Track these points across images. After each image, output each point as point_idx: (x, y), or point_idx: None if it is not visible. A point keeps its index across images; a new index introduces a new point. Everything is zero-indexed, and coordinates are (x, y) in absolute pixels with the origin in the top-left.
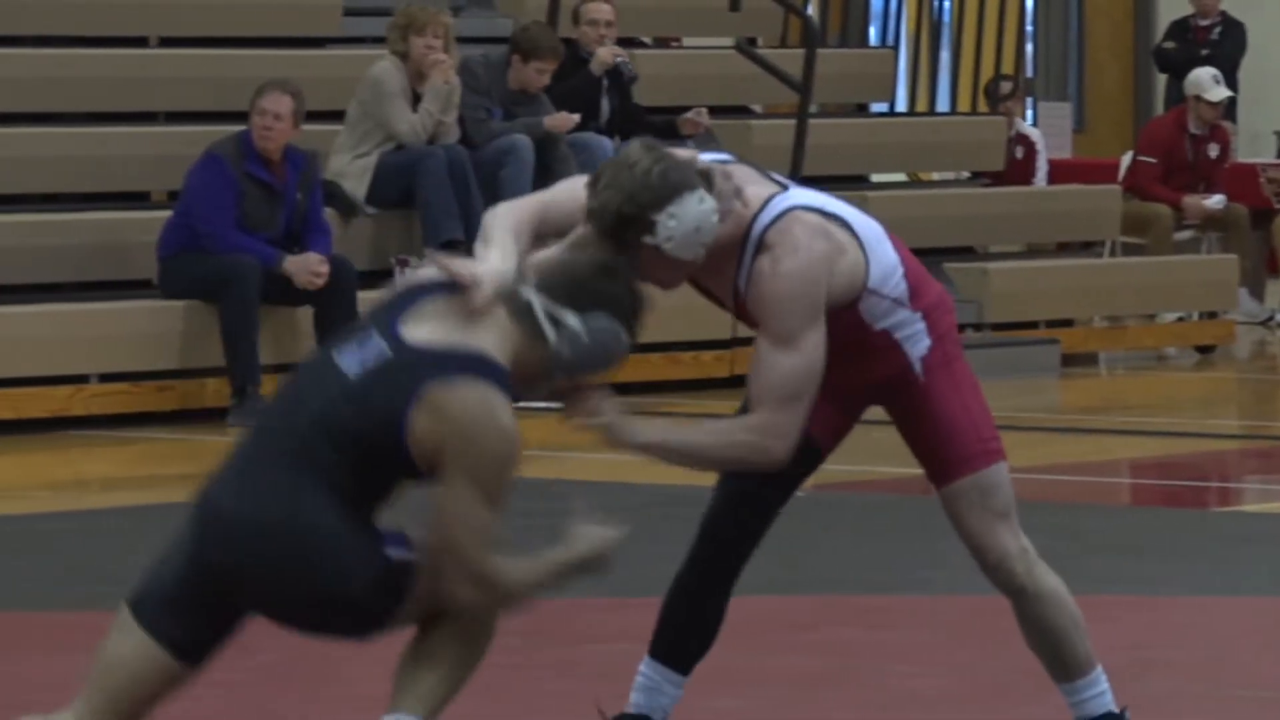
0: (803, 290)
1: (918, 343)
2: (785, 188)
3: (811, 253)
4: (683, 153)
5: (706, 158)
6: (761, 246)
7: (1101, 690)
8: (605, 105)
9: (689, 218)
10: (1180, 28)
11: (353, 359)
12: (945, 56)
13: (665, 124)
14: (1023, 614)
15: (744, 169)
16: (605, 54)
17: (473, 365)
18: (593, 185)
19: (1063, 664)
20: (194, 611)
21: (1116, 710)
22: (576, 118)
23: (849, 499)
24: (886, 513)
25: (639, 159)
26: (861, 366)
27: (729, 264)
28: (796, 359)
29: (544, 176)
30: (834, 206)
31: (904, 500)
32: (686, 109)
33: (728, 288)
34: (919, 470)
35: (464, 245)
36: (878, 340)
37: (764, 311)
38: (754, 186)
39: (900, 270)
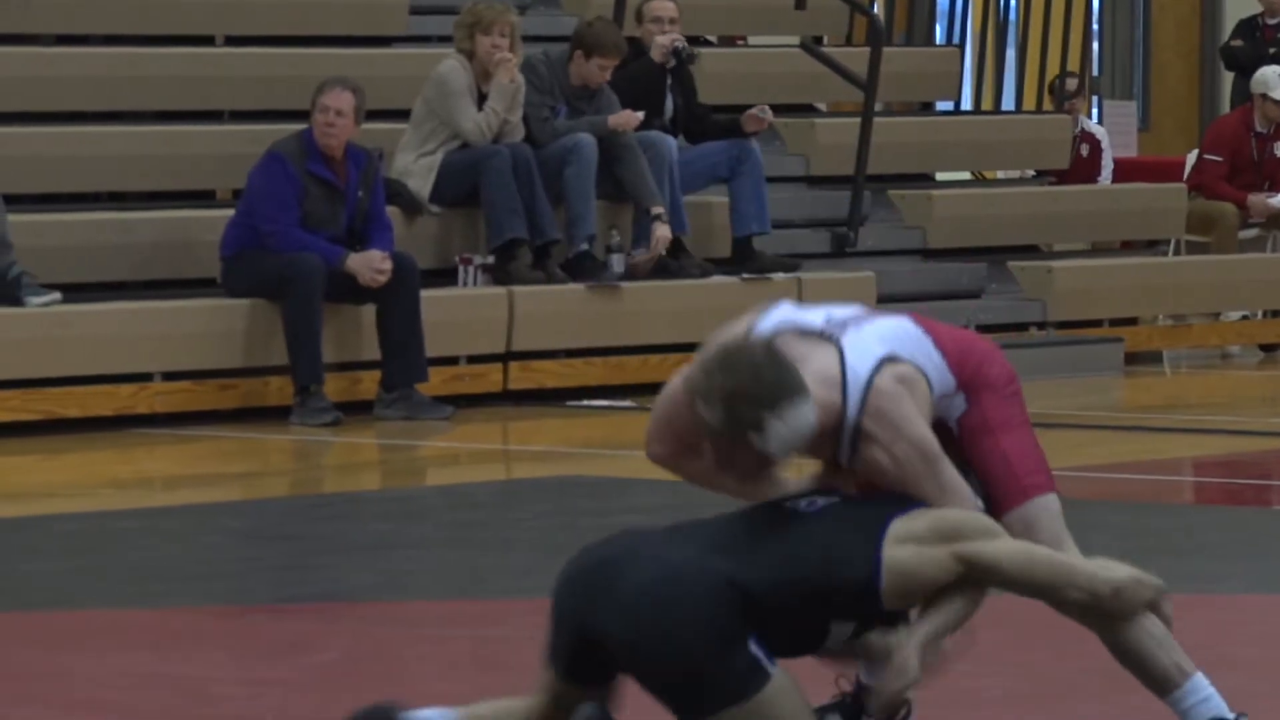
0: (924, 459)
1: (955, 410)
2: (835, 341)
3: (911, 422)
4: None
5: (773, 322)
6: (861, 436)
7: (1203, 698)
8: (669, 102)
9: (796, 424)
10: (1248, 26)
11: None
12: (1011, 55)
13: (729, 121)
14: (1100, 638)
15: (793, 340)
16: (664, 40)
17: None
18: (704, 379)
19: (1152, 680)
20: (567, 648)
21: (1230, 717)
22: (640, 116)
23: None
24: None
25: (752, 356)
26: None
27: (822, 448)
28: (955, 499)
29: (608, 174)
30: (887, 344)
31: None
32: (751, 107)
33: (822, 457)
34: None
35: (527, 244)
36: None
37: (907, 488)
38: (815, 360)
39: (945, 364)
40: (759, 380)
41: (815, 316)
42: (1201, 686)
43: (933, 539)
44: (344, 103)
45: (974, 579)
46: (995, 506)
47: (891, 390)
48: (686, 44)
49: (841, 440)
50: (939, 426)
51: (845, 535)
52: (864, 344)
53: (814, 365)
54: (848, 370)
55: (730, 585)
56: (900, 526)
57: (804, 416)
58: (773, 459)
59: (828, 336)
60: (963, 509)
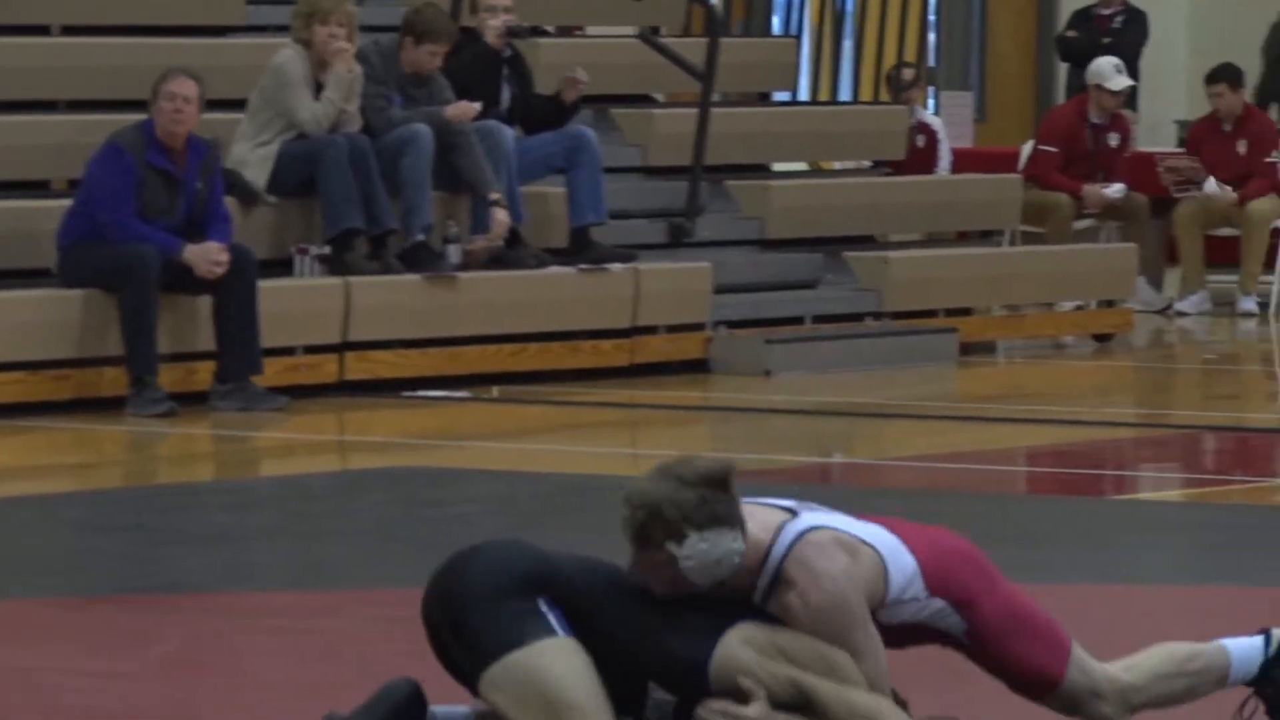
0: (839, 612)
1: (953, 625)
2: (795, 513)
3: (833, 575)
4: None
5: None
6: (781, 579)
7: (1236, 657)
8: (505, 93)
9: (718, 550)
10: (1082, 16)
11: None
12: (848, 45)
13: (550, 99)
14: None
15: (754, 508)
16: (496, 24)
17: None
18: (644, 482)
19: (1212, 689)
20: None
21: (1262, 651)
22: (477, 107)
23: (746, 488)
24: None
25: (698, 473)
26: (907, 640)
27: (742, 581)
28: (865, 663)
29: (445, 164)
30: (845, 524)
31: (802, 489)
32: (589, 100)
33: (739, 591)
34: (823, 459)
35: (364, 234)
36: (911, 628)
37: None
38: (763, 515)
39: (919, 573)
40: (695, 498)
41: (789, 502)
42: (1224, 654)
43: (773, 653)
44: (190, 90)
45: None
46: (1039, 691)
47: (823, 542)
48: (520, 22)
49: (761, 578)
50: (936, 635)
51: (693, 614)
52: (820, 516)
53: (760, 518)
54: (788, 525)
55: (538, 557)
56: (749, 629)
57: (728, 545)
58: (687, 580)
59: (789, 509)
60: (866, 677)
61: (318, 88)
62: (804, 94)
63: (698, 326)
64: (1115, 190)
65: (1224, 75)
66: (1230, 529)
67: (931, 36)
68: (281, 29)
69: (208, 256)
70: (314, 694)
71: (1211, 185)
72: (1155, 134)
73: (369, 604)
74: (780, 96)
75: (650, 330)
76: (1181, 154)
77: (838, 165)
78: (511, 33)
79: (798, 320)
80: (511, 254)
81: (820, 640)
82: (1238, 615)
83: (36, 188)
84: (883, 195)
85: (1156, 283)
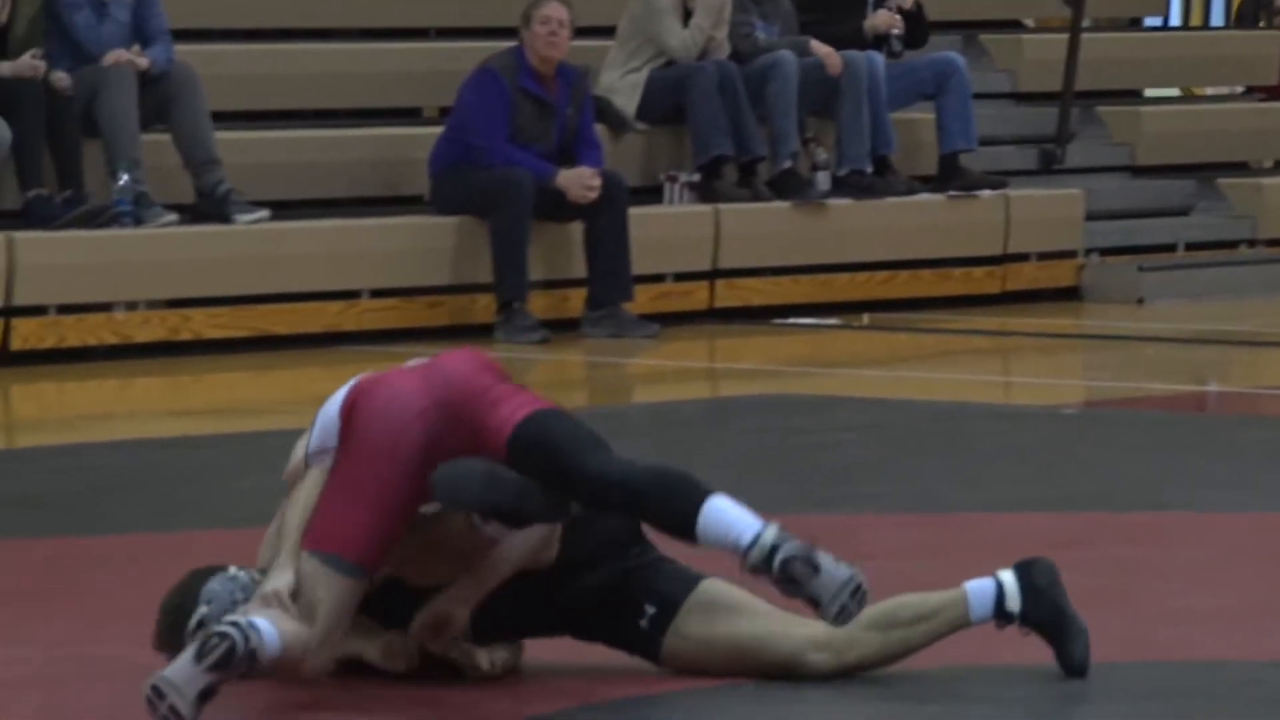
0: None
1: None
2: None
3: None
4: None
5: None
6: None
7: (974, 599)
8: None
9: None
10: None
11: None
12: None
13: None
14: None
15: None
16: (883, 18)
17: None
18: None
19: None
20: None
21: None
22: (840, 62)
23: (1120, 415)
24: (1157, 430)
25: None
26: None
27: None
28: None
29: (814, 93)
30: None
31: (1175, 417)
32: (958, 26)
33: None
34: (1191, 387)
35: (733, 161)
36: None
37: None
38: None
39: None
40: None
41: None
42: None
43: None
44: (564, 15)
45: None
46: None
47: None
48: (901, 35)
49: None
50: None
51: None
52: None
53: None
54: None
55: None
56: None
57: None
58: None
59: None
60: None
61: (686, 15)
62: (1175, 19)
63: (1069, 254)
64: None
65: None
66: None
67: None
68: None
69: (582, 181)
70: None
71: None
72: None
73: None
74: (1151, 22)
75: (1022, 258)
76: None
77: (1210, 91)
78: (887, 40)
79: (1170, 248)
80: (881, 181)
81: None
82: None
83: (407, 115)
84: (1256, 121)
85: None
